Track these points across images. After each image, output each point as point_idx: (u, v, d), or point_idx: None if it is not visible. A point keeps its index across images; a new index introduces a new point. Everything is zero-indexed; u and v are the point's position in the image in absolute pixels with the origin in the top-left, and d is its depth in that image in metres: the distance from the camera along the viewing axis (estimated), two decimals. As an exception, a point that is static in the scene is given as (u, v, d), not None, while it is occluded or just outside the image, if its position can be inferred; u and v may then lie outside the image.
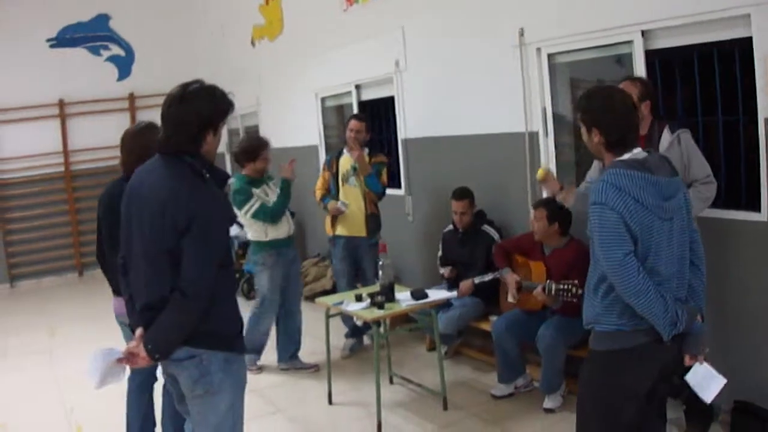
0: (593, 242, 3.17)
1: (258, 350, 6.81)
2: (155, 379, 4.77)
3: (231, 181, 6.34)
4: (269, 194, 6.62)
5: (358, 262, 7.17)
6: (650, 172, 3.11)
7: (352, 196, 7.01)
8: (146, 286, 3.22)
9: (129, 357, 3.22)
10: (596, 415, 3.31)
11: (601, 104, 3.25)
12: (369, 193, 6.95)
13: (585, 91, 3.41)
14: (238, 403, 3.45)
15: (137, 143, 4.49)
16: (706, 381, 3.20)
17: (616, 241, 3.04)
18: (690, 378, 3.21)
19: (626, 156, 3.18)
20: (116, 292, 4.53)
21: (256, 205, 6.45)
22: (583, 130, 3.32)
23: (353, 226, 7.04)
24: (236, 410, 3.44)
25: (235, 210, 6.39)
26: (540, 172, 4.71)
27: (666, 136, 4.44)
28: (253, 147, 6.67)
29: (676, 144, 4.40)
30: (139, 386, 4.81)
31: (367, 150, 7.03)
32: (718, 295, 4.62)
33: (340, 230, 7.14)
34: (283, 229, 6.63)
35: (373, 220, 6.99)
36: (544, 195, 4.65)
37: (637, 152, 3.20)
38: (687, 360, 3.21)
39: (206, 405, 3.33)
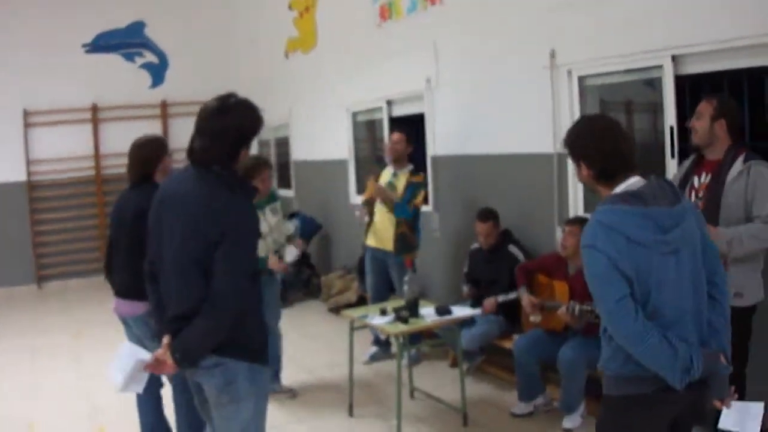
0: None
1: None
2: (161, 384, 4.84)
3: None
4: (266, 220, 6.25)
5: (389, 275, 7.21)
6: (644, 204, 2.85)
7: (384, 210, 7.04)
8: (176, 296, 3.26)
9: (155, 364, 3.25)
10: None
11: (582, 134, 3.08)
12: None
13: (570, 127, 3.20)
14: (261, 412, 3.47)
15: (136, 156, 4.66)
16: (743, 417, 2.94)
17: (606, 287, 2.83)
18: (724, 423, 2.95)
19: (620, 188, 2.95)
20: (118, 293, 4.74)
21: None
22: (574, 166, 3.13)
23: (382, 238, 7.09)
24: (259, 419, 3.47)
25: None
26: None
27: (738, 165, 4.18)
28: (248, 167, 6.18)
29: (745, 175, 4.13)
30: (145, 391, 4.84)
31: (411, 167, 7.10)
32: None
33: (370, 240, 7.21)
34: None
35: (402, 239, 6.93)
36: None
37: (633, 182, 2.95)
38: (717, 405, 2.95)
39: (231, 413, 3.36)
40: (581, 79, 6.04)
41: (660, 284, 2.83)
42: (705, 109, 4.21)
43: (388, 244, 7.00)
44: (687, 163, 4.55)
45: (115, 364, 3.31)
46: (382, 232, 7.06)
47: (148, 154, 4.75)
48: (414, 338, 6.65)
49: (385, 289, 7.33)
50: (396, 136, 7.14)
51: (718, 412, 2.98)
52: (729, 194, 4.17)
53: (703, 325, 2.96)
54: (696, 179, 4.40)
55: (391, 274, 7.13)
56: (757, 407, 2.97)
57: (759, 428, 2.92)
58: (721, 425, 2.97)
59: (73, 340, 8.96)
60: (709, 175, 4.30)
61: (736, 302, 3.91)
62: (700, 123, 4.27)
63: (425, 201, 7.32)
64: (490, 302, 6.36)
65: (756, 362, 4.26)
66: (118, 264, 4.73)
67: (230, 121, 3.26)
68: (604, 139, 2.99)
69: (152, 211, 3.48)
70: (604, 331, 2.99)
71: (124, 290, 4.68)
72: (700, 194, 4.33)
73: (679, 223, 2.90)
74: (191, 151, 3.37)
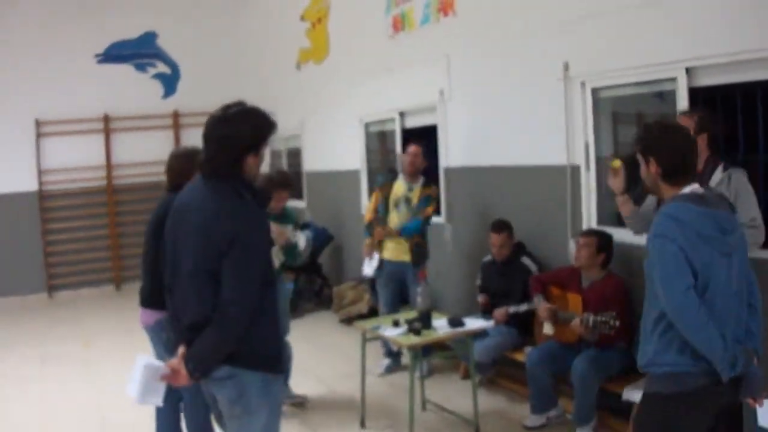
0: (651, 277, 3.12)
1: None
2: (180, 397, 4.81)
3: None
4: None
5: (405, 288, 7.19)
6: (708, 206, 3.09)
7: (399, 222, 7.06)
8: (189, 305, 3.27)
9: (171, 374, 3.25)
10: None
11: (659, 134, 3.28)
12: None
13: (644, 125, 3.44)
14: (274, 423, 3.47)
15: (175, 166, 4.68)
16: None
17: (677, 274, 3.00)
18: (762, 420, 3.18)
19: (687, 190, 3.16)
20: (143, 303, 4.70)
21: None
22: (642, 162, 3.31)
23: (398, 251, 7.09)
24: (273, 430, 3.47)
25: None
26: (616, 163, 4.63)
27: (717, 173, 4.34)
28: (269, 182, 6.13)
29: (726, 182, 4.28)
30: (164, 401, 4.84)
31: (422, 179, 7.11)
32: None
33: (385, 254, 7.19)
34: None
35: (417, 248, 6.98)
36: (611, 183, 4.51)
37: (696, 187, 3.18)
38: (750, 403, 3.16)
39: (243, 424, 3.36)
40: (595, 91, 6.03)
41: (716, 282, 3.05)
42: (686, 124, 4.21)
43: (405, 256, 7.01)
44: None
45: (131, 376, 3.30)
46: (398, 244, 7.06)
47: (181, 164, 4.74)
48: (425, 350, 6.65)
49: (398, 302, 7.31)
50: (414, 149, 7.14)
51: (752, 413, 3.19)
52: None
53: (742, 327, 3.17)
54: None
55: (410, 288, 7.04)
56: None
57: None
58: (761, 422, 3.23)
59: (84, 350, 8.97)
60: None
61: None
62: None
63: (437, 212, 7.32)
64: (500, 312, 6.36)
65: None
66: (143, 272, 4.74)
67: (230, 130, 3.28)
68: (679, 142, 3.23)
69: (168, 222, 3.51)
70: (654, 327, 3.14)
71: (143, 299, 4.70)
72: None
73: (735, 228, 3.17)
74: (200, 162, 3.42)
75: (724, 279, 3.07)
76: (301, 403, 6.48)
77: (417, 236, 6.98)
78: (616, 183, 4.44)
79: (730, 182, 4.29)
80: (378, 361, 7.29)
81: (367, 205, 7.58)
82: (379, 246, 7.21)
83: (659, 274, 3.05)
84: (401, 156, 7.36)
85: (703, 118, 4.46)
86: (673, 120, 3.72)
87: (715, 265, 3.04)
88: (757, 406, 3.15)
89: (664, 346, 3.10)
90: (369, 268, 7.21)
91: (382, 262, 7.22)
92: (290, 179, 6.79)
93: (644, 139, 3.31)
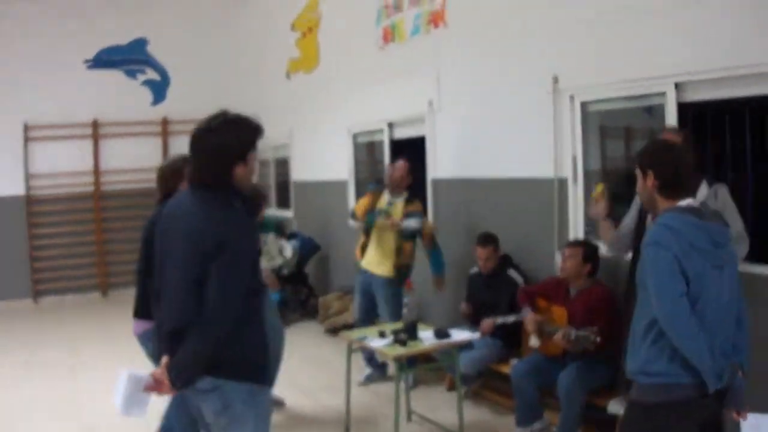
0: (644, 284, 3.17)
1: None
2: None
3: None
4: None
5: (373, 299, 7.19)
6: (702, 219, 3.16)
7: (379, 233, 7.06)
8: (173, 311, 3.25)
9: (155, 384, 3.22)
10: None
11: (658, 149, 3.38)
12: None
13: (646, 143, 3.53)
14: (263, 434, 3.45)
15: (166, 174, 4.70)
16: (762, 429, 3.17)
17: (670, 282, 3.05)
18: None
19: (682, 203, 3.23)
20: (136, 313, 4.66)
21: None
22: (639, 176, 3.37)
23: (373, 262, 7.11)
24: (261, 443, 3.44)
25: None
26: (600, 188, 4.65)
27: (703, 189, 4.42)
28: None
29: (712, 198, 4.37)
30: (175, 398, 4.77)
31: (405, 194, 7.10)
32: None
33: (363, 263, 7.21)
34: None
35: (405, 270, 6.97)
36: (593, 209, 4.57)
37: (691, 201, 3.26)
38: (734, 416, 3.20)
39: (229, 436, 3.35)
40: (584, 104, 6.05)
41: (707, 294, 3.11)
42: (673, 140, 4.25)
43: (378, 269, 7.03)
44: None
45: (116, 388, 3.27)
46: (377, 256, 7.07)
47: (171, 172, 4.73)
48: (410, 362, 6.64)
49: (373, 312, 7.28)
50: (401, 164, 7.13)
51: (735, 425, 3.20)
52: None
53: (730, 341, 3.22)
54: None
55: (375, 298, 7.11)
56: None
57: None
58: None
59: (69, 356, 8.92)
60: None
61: None
62: None
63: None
64: (487, 323, 6.34)
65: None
66: (135, 282, 4.73)
67: (216, 140, 3.28)
68: (677, 157, 3.30)
69: (157, 234, 3.51)
70: (645, 335, 3.18)
71: (134, 309, 4.69)
72: None
73: (727, 242, 3.25)
74: (189, 174, 3.44)
75: (716, 291, 3.13)
76: (278, 404, 6.46)
77: (407, 255, 7.00)
78: (599, 209, 4.50)
79: (717, 197, 4.38)
80: (363, 371, 7.28)
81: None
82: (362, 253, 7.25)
83: (653, 281, 3.10)
84: (388, 167, 7.37)
85: (688, 136, 4.55)
86: (669, 138, 3.79)
87: (707, 276, 3.10)
88: (741, 419, 3.19)
89: (655, 355, 3.13)
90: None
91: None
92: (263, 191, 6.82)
93: (644, 154, 3.39)
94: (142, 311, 4.53)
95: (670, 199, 3.26)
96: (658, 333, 3.11)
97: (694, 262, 3.06)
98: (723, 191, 4.43)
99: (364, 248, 7.24)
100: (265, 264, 6.18)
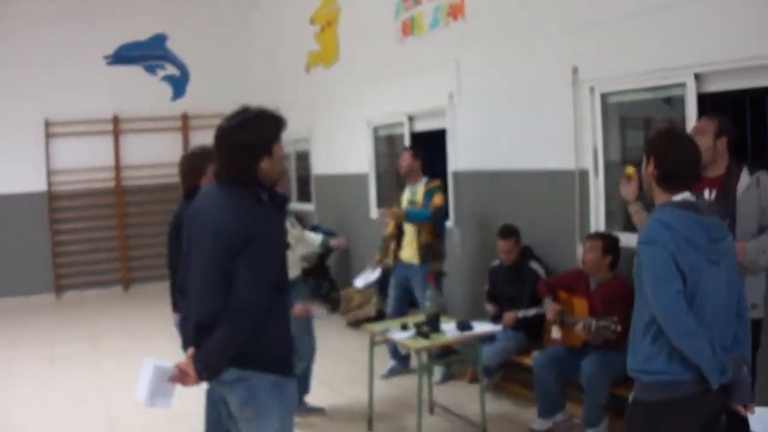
0: (641, 282, 3.14)
1: None
2: None
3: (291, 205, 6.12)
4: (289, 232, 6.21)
5: (411, 291, 7.18)
6: (699, 213, 3.13)
7: (407, 224, 7.07)
8: (199, 304, 3.27)
9: (180, 375, 3.23)
10: None
11: (666, 137, 3.33)
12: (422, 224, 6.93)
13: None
14: (286, 426, 3.45)
15: (187, 165, 4.71)
16: None
17: (666, 280, 3.02)
18: (755, 428, 3.15)
19: (678, 197, 3.19)
20: (174, 306, 4.67)
21: None
22: (644, 161, 3.34)
23: (406, 252, 7.10)
24: (285, 432, 3.47)
25: None
26: (630, 169, 4.65)
27: (744, 178, 4.28)
28: None
29: (755, 186, 4.25)
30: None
31: (425, 179, 7.09)
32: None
33: (402, 255, 7.20)
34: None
35: (426, 247, 6.93)
36: (623, 190, 4.53)
37: (688, 195, 3.20)
38: (741, 411, 3.15)
39: (254, 427, 3.35)
40: (604, 96, 6.04)
41: (705, 289, 3.08)
42: (707, 126, 4.24)
43: (414, 257, 7.00)
44: None
45: (139, 379, 3.28)
46: (407, 245, 7.08)
47: (193, 163, 4.75)
48: (439, 355, 6.67)
49: (406, 304, 7.30)
50: (404, 154, 7.21)
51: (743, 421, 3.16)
52: (741, 207, 4.23)
53: (730, 335, 3.18)
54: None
55: (415, 290, 7.06)
56: None
57: None
58: (753, 429, 3.16)
59: (92, 351, 8.99)
60: (714, 191, 4.33)
61: (753, 314, 3.96)
62: (704, 140, 4.26)
63: (446, 215, 7.32)
64: (510, 316, 6.36)
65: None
66: (169, 277, 4.75)
67: (240, 136, 3.30)
68: (682, 148, 3.25)
69: (184, 228, 3.53)
70: (644, 333, 3.16)
71: (172, 302, 4.70)
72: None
73: (724, 237, 3.21)
74: (215, 171, 3.48)
75: (713, 286, 3.10)
76: (318, 411, 6.43)
77: (426, 233, 6.93)
78: (629, 190, 4.45)
79: (759, 185, 4.25)
80: (385, 364, 7.29)
81: (375, 209, 7.54)
82: (384, 257, 7.28)
83: (649, 279, 3.08)
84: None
85: (724, 122, 4.41)
86: (682, 129, 3.75)
87: (704, 272, 3.07)
88: (748, 413, 3.14)
89: (655, 353, 3.11)
90: (362, 280, 7.20)
91: (387, 270, 7.24)
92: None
93: (650, 141, 3.38)
94: (174, 304, 4.57)
95: (667, 192, 3.23)
96: (657, 331, 3.09)
97: (690, 258, 3.04)
98: (765, 178, 4.29)
99: (393, 249, 7.24)
100: (302, 250, 6.19)
